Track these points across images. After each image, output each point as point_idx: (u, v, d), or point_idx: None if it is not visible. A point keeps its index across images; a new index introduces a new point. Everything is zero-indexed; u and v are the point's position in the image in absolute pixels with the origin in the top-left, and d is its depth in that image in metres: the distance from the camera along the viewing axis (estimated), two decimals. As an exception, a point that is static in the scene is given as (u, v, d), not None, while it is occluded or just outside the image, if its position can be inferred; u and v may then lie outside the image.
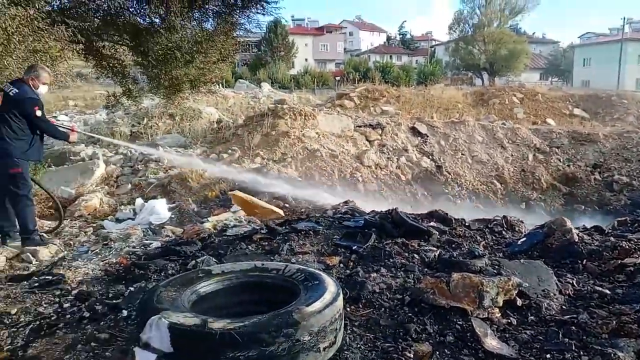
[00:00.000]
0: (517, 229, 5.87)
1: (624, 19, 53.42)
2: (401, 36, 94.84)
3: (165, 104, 13.47)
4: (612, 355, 2.92)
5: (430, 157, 12.95)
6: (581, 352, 3.01)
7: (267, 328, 2.72)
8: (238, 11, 9.63)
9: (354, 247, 4.63)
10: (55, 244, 5.83)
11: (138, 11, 9.35)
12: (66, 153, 11.75)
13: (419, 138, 13.35)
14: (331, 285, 3.22)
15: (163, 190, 9.10)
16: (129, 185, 9.63)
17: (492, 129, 14.94)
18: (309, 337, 2.80)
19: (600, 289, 3.93)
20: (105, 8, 8.82)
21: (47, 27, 6.56)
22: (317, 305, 2.94)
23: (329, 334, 2.95)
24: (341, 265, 4.41)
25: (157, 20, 9.12)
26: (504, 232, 5.71)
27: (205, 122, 14.14)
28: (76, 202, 8.64)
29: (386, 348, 3.19)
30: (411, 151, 12.68)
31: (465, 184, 12.85)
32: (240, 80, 20.96)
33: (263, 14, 9.86)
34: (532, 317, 3.49)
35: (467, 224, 5.88)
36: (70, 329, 3.65)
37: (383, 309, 3.64)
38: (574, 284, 4.07)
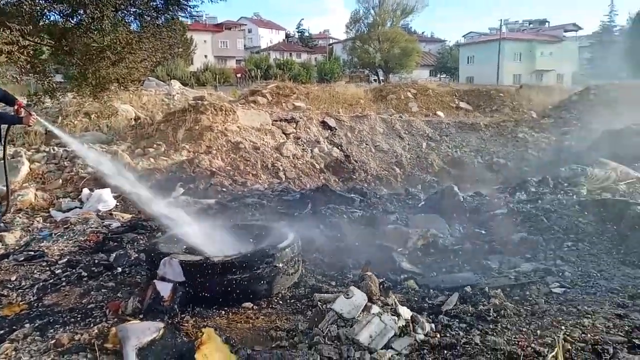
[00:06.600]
0: (417, 197, 7.37)
1: (501, 20, 59.62)
2: (299, 34, 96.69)
3: (80, 102, 13.61)
4: (485, 264, 4.37)
5: (339, 147, 14.36)
6: (465, 265, 4.43)
7: (254, 258, 3.81)
8: (162, 14, 10.29)
9: (295, 214, 5.78)
10: (17, 230, 6.34)
11: (64, 13, 9.67)
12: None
13: (329, 131, 14.73)
14: (291, 233, 4.35)
15: (96, 183, 9.56)
16: (60, 181, 9.96)
17: (391, 122, 16.72)
18: (282, 265, 3.93)
19: (478, 230, 5.44)
20: (27, 10, 9.08)
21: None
22: (284, 244, 4.07)
23: (295, 264, 4.10)
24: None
25: (84, 22, 9.50)
26: (407, 200, 7.17)
27: (122, 120, 14.42)
28: (11, 197, 8.89)
29: (332, 275, 4.41)
30: (323, 142, 14.01)
31: (370, 170, 14.33)
32: (149, 78, 21.10)
33: (186, 17, 10.58)
34: (432, 250, 4.88)
35: (378, 195, 7.27)
36: (74, 285, 4.43)
37: (327, 252, 4.84)
38: (461, 229, 5.56)
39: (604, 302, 3.68)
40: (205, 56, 65.22)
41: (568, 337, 3.02)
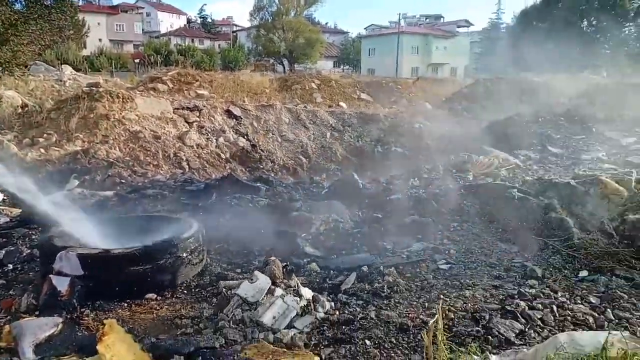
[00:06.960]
0: (320, 185, 7.63)
1: (400, 14, 62.09)
2: (202, 19, 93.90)
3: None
4: (381, 245, 4.70)
5: (245, 137, 14.33)
6: (363, 247, 4.73)
7: (156, 249, 3.80)
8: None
9: (199, 204, 5.77)
10: None
11: None
12: None
13: (234, 120, 14.62)
14: (195, 224, 4.37)
15: (-21, 177, 8.80)
16: None
17: (296, 112, 16.94)
18: (186, 255, 3.95)
19: (376, 215, 5.77)
20: None
21: None
22: (188, 234, 4.09)
23: (199, 253, 4.13)
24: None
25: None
26: (311, 188, 7.40)
27: (7, 107, 13.28)
28: None
29: (238, 262, 4.50)
30: (228, 132, 13.88)
31: (277, 160, 14.47)
32: (37, 62, 19.52)
33: (78, -1, 9.94)
34: (333, 234, 5.13)
35: (284, 184, 7.43)
36: (-43, 285, 4.12)
37: (233, 241, 4.92)
38: (360, 214, 5.87)
39: (483, 275, 4.13)
40: (100, 40, 61.27)
41: (452, 307, 3.38)
